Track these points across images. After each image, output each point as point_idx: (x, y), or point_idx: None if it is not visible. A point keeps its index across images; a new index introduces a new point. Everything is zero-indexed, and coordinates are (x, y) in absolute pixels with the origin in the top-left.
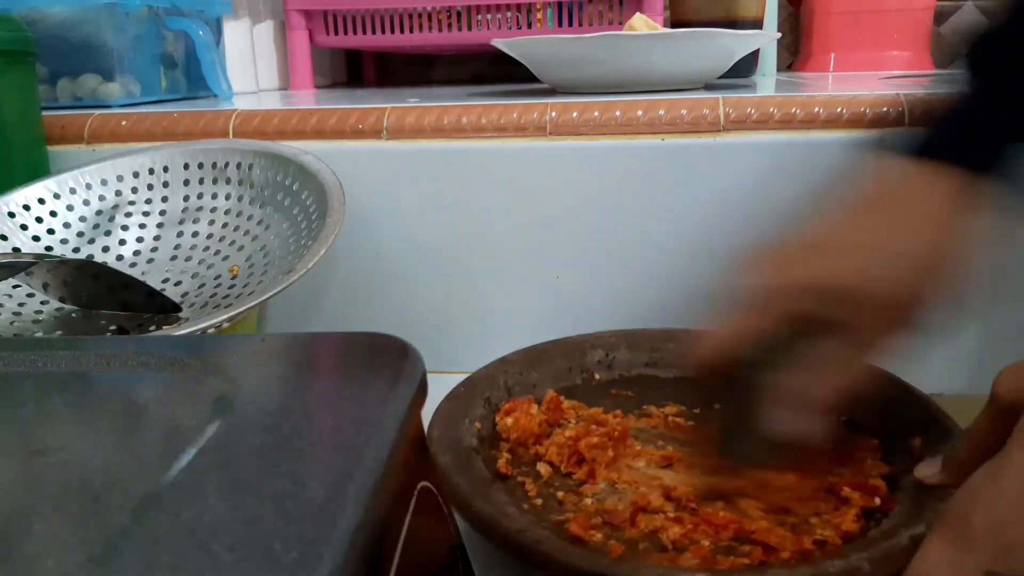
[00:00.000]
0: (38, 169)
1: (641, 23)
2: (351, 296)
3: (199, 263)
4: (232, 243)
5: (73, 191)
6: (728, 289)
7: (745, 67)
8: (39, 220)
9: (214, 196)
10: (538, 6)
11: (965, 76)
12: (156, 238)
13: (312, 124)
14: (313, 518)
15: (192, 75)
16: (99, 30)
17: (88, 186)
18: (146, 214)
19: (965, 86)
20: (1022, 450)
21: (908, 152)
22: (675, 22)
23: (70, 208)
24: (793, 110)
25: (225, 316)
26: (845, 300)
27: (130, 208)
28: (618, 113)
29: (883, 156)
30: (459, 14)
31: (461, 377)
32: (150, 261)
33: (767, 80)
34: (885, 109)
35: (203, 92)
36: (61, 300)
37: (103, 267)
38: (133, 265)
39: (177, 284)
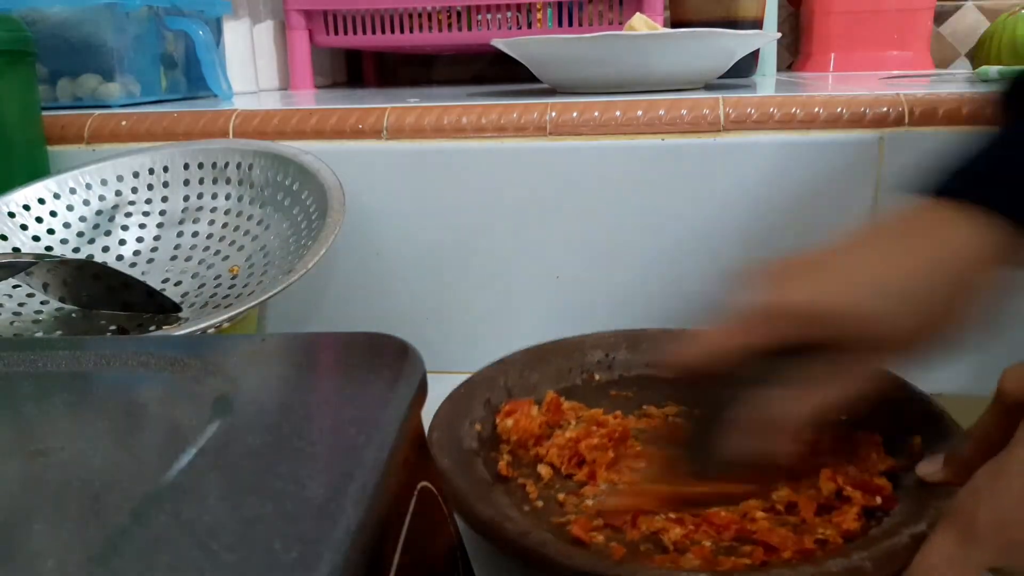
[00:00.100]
0: (38, 169)
1: (641, 23)
2: (351, 296)
3: (199, 263)
4: (232, 243)
5: (73, 191)
6: (724, 300)
7: (745, 67)
8: (39, 220)
9: (214, 196)
10: (538, 6)
11: (1001, 117)
12: (156, 238)
13: (312, 124)
14: (313, 518)
15: (192, 75)
16: (99, 30)
17: (88, 186)
18: (146, 214)
19: (1002, 127)
20: None
21: (935, 190)
22: (675, 22)
23: (70, 208)
24: (793, 110)
25: (225, 316)
26: (837, 327)
27: (130, 208)
28: (618, 113)
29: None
30: (459, 14)
31: (461, 377)
32: (150, 261)
33: (767, 80)
34: (885, 109)
35: (203, 92)
36: (61, 300)
37: (103, 267)
38: (133, 265)
39: (177, 284)
